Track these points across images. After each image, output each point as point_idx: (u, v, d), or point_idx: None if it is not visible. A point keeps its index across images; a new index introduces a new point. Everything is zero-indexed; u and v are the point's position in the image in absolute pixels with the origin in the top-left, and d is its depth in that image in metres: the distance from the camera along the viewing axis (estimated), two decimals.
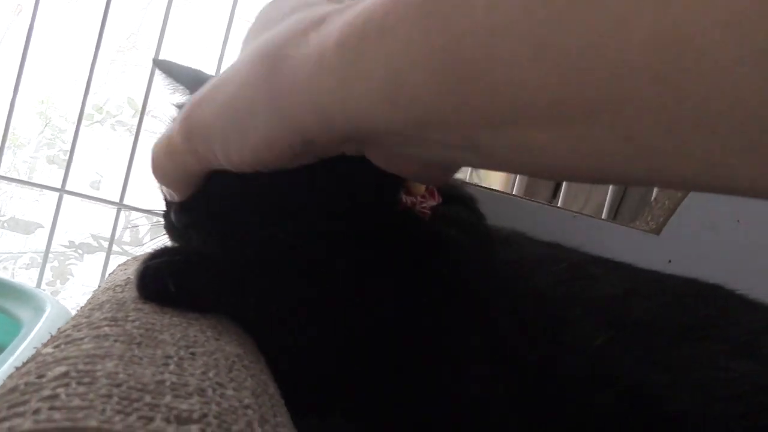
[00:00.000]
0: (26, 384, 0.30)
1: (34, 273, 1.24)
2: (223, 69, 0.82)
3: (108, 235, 1.33)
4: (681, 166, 0.28)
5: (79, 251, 1.22)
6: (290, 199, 0.49)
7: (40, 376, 0.30)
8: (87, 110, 1.04)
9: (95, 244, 1.25)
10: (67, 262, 1.21)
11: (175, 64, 0.63)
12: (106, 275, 0.96)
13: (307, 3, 0.41)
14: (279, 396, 0.41)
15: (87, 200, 1.29)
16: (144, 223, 1.45)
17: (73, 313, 0.86)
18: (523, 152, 0.32)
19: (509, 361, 0.48)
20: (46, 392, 0.28)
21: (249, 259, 0.49)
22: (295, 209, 0.49)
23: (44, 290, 0.90)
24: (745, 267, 1.01)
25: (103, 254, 1.23)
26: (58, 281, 1.21)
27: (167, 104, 1.25)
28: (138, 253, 1.19)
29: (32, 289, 0.79)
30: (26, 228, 1.29)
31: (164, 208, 0.56)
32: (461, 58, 0.30)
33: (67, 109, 1.38)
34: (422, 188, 0.55)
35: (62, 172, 1.38)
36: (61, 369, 0.31)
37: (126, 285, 0.56)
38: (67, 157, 1.51)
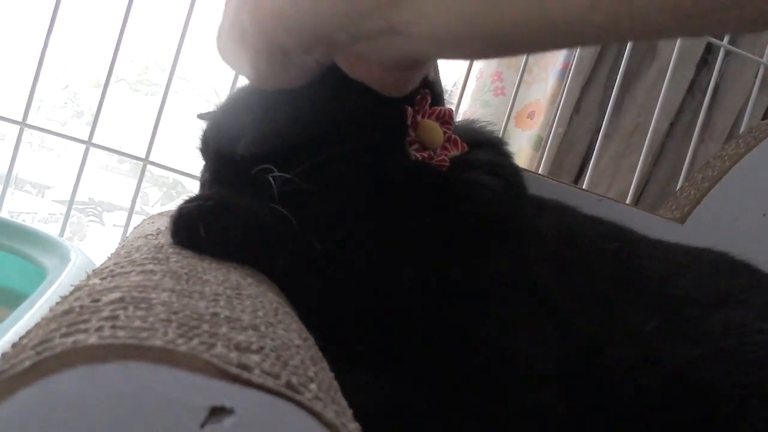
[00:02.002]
0: (81, 307, 0.29)
1: (52, 228, 1.24)
2: None
3: (124, 201, 1.33)
4: None
5: (99, 208, 1.21)
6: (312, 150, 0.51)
7: (95, 301, 0.30)
8: (120, 77, 1.03)
9: (114, 202, 1.25)
10: (87, 220, 1.20)
11: None
12: (129, 230, 0.96)
13: None
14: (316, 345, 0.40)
15: (109, 164, 1.29)
16: (153, 191, 1.44)
17: (98, 264, 0.86)
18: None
19: (553, 317, 0.48)
20: (105, 313, 0.28)
21: (275, 212, 0.49)
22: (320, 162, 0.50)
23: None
24: None
25: (121, 213, 1.23)
26: (76, 237, 1.21)
27: (195, 65, 1.23)
28: (164, 209, 1.19)
29: (57, 238, 0.79)
30: (44, 184, 1.29)
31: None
32: None
33: (88, 72, 1.37)
34: (439, 139, 0.55)
35: (88, 126, 1.38)
36: (116, 295, 0.31)
37: (158, 234, 0.55)
38: (81, 119, 1.50)
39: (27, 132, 0.92)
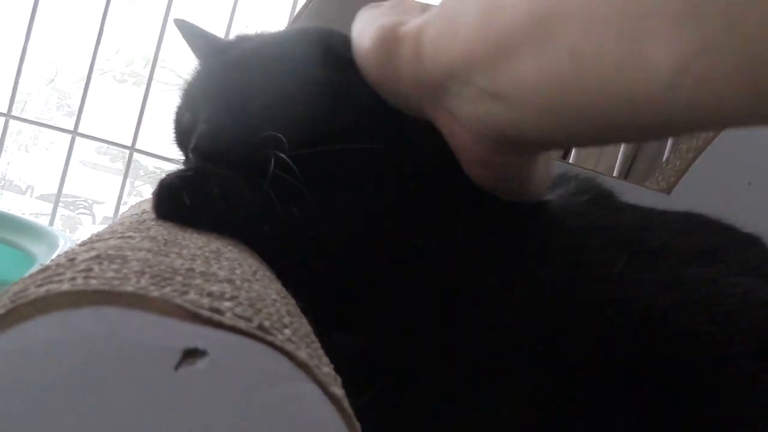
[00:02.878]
0: (57, 265, 0.30)
1: (44, 220, 1.24)
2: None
3: (110, 198, 1.34)
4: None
5: (88, 201, 1.22)
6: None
7: (71, 259, 0.30)
8: (98, 62, 1.03)
9: (104, 199, 1.26)
10: (77, 212, 1.21)
11: (193, 27, 0.66)
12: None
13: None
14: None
15: (95, 162, 1.29)
16: (148, 188, 1.44)
17: None
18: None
19: (528, 280, 0.49)
20: (80, 267, 0.28)
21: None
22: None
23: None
24: (756, 229, 1.00)
25: (113, 206, 1.23)
26: (68, 230, 1.22)
27: (177, 56, 1.24)
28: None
29: (45, 227, 0.79)
30: (27, 186, 1.29)
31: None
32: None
33: (75, 66, 1.37)
34: None
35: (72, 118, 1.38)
36: (92, 253, 0.31)
37: (143, 213, 0.56)
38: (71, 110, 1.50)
39: (16, 133, 0.93)
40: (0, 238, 0.78)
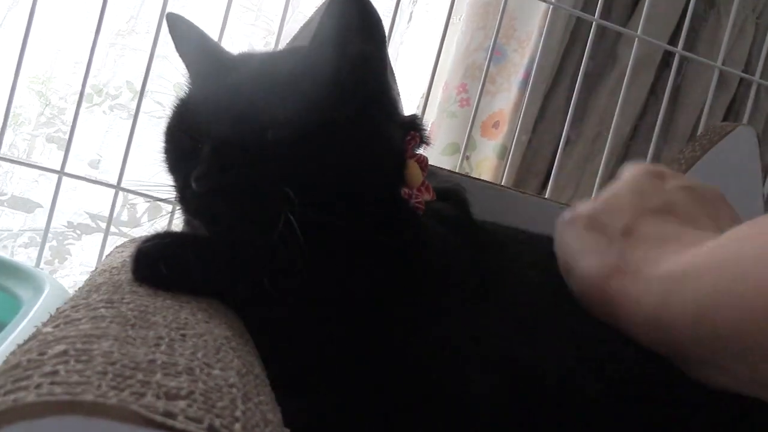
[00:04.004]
0: (28, 361, 0.32)
1: (33, 252, 1.26)
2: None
3: (105, 214, 1.36)
4: None
5: (77, 231, 1.24)
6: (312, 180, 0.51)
7: (41, 354, 0.33)
8: (87, 92, 1.06)
9: (93, 225, 1.28)
10: (66, 242, 1.23)
11: (186, 24, 0.62)
12: (104, 256, 0.99)
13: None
14: (264, 376, 0.43)
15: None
16: (141, 202, 1.47)
17: (72, 292, 0.89)
18: None
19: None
20: (47, 368, 0.31)
21: (247, 237, 0.51)
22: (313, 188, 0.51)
23: (43, 269, 0.92)
24: None
25: (101, 235, 1.26)
26: (56, 260, 1.24)
27: (165, 88, 1.26)
28: (136, 235, 1.21)
29: (32, 269, 0.82)
30: (26, 206, 1.31)
31: (177, 182, 0.56)
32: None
33: (66, 90, 1.40)
34: (419, 180, 0.58)
35: (61, 151, 1.40)
36: (61, 347, 0.34)
37: (122, 267, 0.58)
38: (66, 137, 1.52)
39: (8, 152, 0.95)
40: None
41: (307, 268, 0.50)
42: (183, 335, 0.40)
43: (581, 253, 0.52)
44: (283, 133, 0.52)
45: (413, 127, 0.61)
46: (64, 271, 1.27)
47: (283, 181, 0.51)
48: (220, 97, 0.54)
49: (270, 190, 0.50)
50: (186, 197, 0.53)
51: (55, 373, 0.30)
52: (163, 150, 0.60)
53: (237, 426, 0.31)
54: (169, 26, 0.62)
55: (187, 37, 0.61)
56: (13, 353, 0.37)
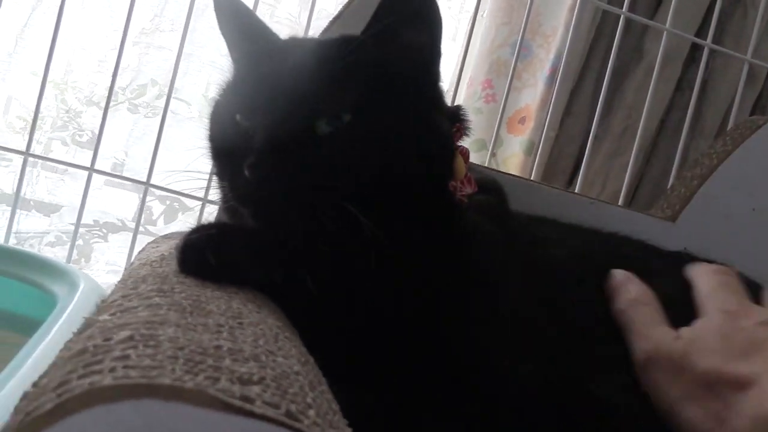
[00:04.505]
0: (95, 346, 0.32)
1: (60, 251, 1.26)
2: None
3: (128, 215, 1.36)
4: None
5: (104, 230, 1.24)
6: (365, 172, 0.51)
7: (107, 339, 0.32)
8: (114, 95, 1.06)
9: (119, 223, 1.28)
10: (92, 241, 1.23)
11: (234, 2, 0.60)
12: (134, 253, 0.99)
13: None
14: (317, 368, 0.42)
15: (113, 180, 1.32)
16: (156, 204, 1.47)
17: (105, 288, 0.88)
18: None
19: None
20: (117, 353, 0.30)
21: (298, 228, 0.50)
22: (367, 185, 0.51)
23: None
24: (761, 255, 1.02)
25: (126, 234, 1.26)
26: (82, 259, 1.24)
27: (191, 87, 1.25)
28: (164, 233, 1.21)
29: (65, 265, 0.82)
30: (50, 208, 1.31)
31: (228, 172, 0.55)
32: None
33: (90, 90, 1.40)
34: (463, 172, 0.58)
35: (77, 151, 1.40)
36: (126, 333, 0.33)
37: (162, 260, 0.58)
38: (82, 138, 1.53)
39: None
40: (21, 277, 0.80)
41: (359, 260, 0.49)
42: (240, 323, 0.40)
43: (680, 401, 0.52)
44: (337, 124, 0.51)
45: (458, 119, 0.60)
46: (89, 270, 1.27)
47: (337, 172, 0.50)
48: (272, 83, 0.53)
49: (324, 182, 0.50)
50: (237, 184, 0.52)
51: (126, 357, 0.30)
52: (208, 135, 0.59)
53: (311, 412, 0.30)
54: (215, 3, 0.60)
55: (234, 16, 0.60)
56: (72, 340, 0.37)
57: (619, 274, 0.61)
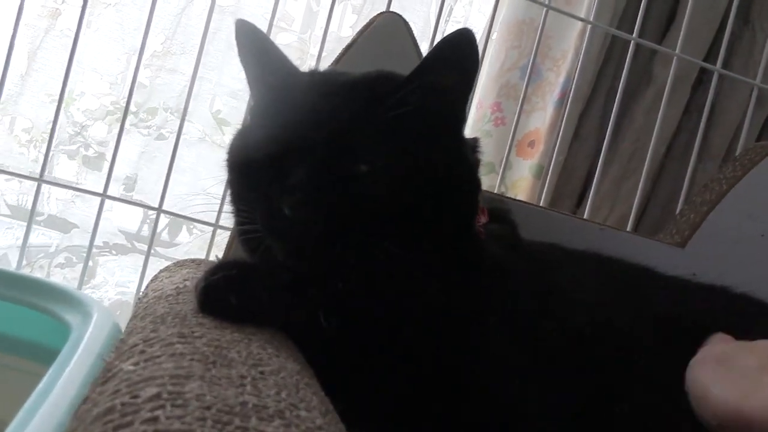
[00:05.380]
0: (122, 404, 0.32)
1: (69, 272, 1.27)
2: None
3: (132, 234, 1.37)
4: None
5: (113, 252, 1.25)
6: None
7: (134, 397, 0.33)
8: (120, 113, 1.07)
9: (128, 245, 1.28)
10: (102, 262, 1.24)
11: (256, 33, 0.60)
12: (145, 277, 0.99)
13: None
14: (335, 412, 0.43)
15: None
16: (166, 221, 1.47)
17: (111, 312, 0.87)
18: None
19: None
20: (145, 414, 0.31)
21: (337, 268, 0.51)
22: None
23: (86, 292, 0.93)
24: None
25: (135, 255, 1.26)
26: (92, 280, 1.25)
27: (201, 112, 1.26)
28: (176, 257, 1.22)
29: (78, 293, 0.82)
30: (63, 227, 1.32)
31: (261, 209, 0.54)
32: None
33: (96, 108, 1.41)
34: (480, 204, 0.59)
35: (88, 172, 1.41)
36: (153, 390, 0.33)
37: (179, 295, 0.58)
38: (92, 155, 1.53)
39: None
40: (34, 304, 0.81)
41: (392, 297, 0.50)
42: (262, 372, 0.40)
43: (714, 382, 0.54)
44: (377, 165, 0.52)
45: (475, 151, 0.61)
46: (99, 291, 1.27)
47: (374, 212, 0.51)
48: (307, 120, 0.53)
49: (361, 221, 0.51)
50: (272, 221, 0.52)
51: (155, 420, 0.30)
52: (230, 166, 0.59)
53: None
54: (237, 32, 0.60)
55: (255, 48, 0.60)
56: (96, 392, 0.37)
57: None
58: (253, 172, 0.55)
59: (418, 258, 0.51)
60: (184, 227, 1.42)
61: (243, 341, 0.45)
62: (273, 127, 0.55)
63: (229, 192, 0.62)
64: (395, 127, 0.53)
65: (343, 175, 0.51)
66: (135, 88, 1.03)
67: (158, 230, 1.50)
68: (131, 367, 0.38)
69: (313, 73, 0.63)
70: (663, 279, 0.80)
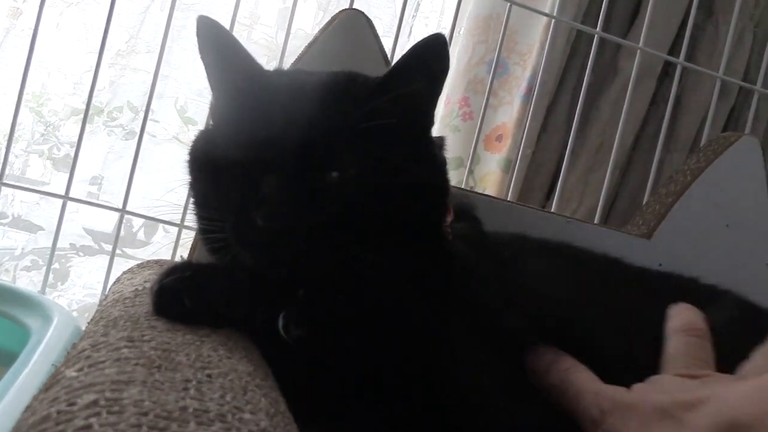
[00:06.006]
0: (58, 412, 0.32)
1: (36, 275, 1.25)
2: None
3: (106, 234, 1.35)
4: None
5: (80, 254, 1.23)
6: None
7: (71, 404, 0.32)
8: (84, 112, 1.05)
9: (96, 246, 1.27)
10: (68, 264, 1.22)
11: (219, 31, 0.58)
12: (110, 280, 0.98)
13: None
14: (289, 413, 0.42)
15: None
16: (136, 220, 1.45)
17: (76, 315, 0.87)
18: None
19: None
20: (80, 422, 0.30)
21: (308, 274, 0.50)
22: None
23: (48, 295, 0.91)
24: (735, 270, 1.03)
25: (103, 256, 1.25)
26: (58, 283, 1.23)
27: (167, 111, 1.25)
28: (141, 257, 1.21)
29: (39, 297, 0.81)
30: (29, 228, 1.30)
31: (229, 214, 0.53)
32: None
33: (65, 111, 1.39)
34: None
35: (57, 169, 1.39)
36: (90, 397, 0.33)
37: (136, 297, 0.57)
38: (61, 154, 1.51)
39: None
40: None
41: (359, 301, 0.50)
42: (209, 375, 0.40)
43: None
44: (349, 174, 0.51)
45: (442, 150, 0.62)
46: (66, 293, 1.26)
47: (346, 218, 0.51)
48: (278, 126, 0.52)
49: (334, 228, 0.50)
50: (242, 230, 0.51)
51: (89, 427, 0.30)
52: (193, 169, 0.58)
53: None
54: (198, 29, 0.58)
55: (218, 46, 0.58)
56: (38, 399, 0.36)
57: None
58: (222, 178, 0.54)
59: (389, 264, 0.51)
60: (161, 227, 1.41)
61: (194, 344, 0.45)
62: (241, 132, 0.54)
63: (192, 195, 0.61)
64: (367, 133, 0.52)
65: (316, 184, 0.51)
66: (101, 88, 1.01)
67: (134, 231, 1.49)
68: (74, 374, 0.38)
69: (280, 73, 0.62)
70: (630, 270, 0.80)
